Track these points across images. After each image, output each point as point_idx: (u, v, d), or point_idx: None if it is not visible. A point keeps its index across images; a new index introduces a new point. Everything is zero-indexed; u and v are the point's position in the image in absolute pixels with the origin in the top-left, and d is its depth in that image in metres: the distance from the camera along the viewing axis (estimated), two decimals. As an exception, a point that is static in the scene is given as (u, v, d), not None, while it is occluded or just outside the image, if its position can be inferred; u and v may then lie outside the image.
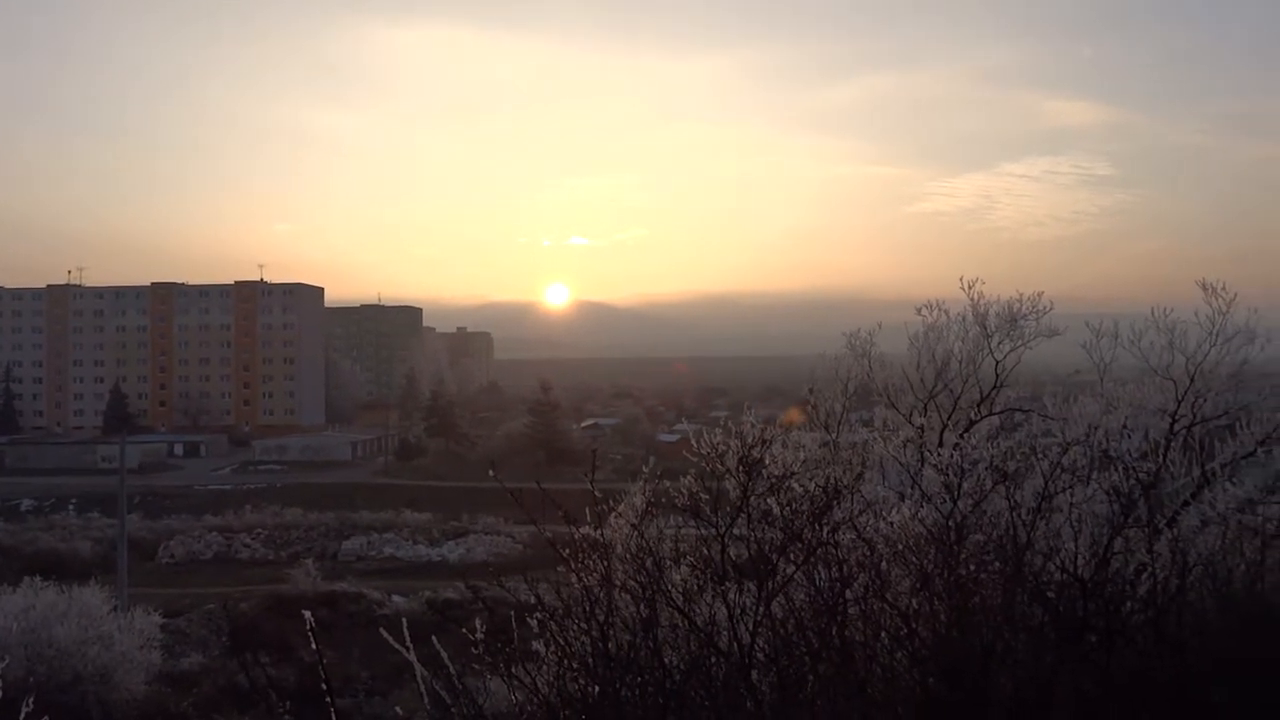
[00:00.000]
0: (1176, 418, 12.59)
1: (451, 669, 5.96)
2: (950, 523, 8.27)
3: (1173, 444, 12.37)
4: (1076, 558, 8.62)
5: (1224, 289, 12.83)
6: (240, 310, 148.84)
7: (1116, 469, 10.22)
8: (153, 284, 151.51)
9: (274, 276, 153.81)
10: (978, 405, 13.90)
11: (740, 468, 7.19)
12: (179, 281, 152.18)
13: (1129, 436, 11.54)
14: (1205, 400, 12.69)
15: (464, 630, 6.10)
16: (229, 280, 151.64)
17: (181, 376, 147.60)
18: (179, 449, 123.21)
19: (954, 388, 14.12)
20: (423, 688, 5.82)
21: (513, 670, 5.96)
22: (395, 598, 53.65)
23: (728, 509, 7.12)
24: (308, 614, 4.56)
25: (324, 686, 3.93)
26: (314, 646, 4.05)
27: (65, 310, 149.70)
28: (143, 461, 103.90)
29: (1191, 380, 12.73)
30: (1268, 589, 10.67)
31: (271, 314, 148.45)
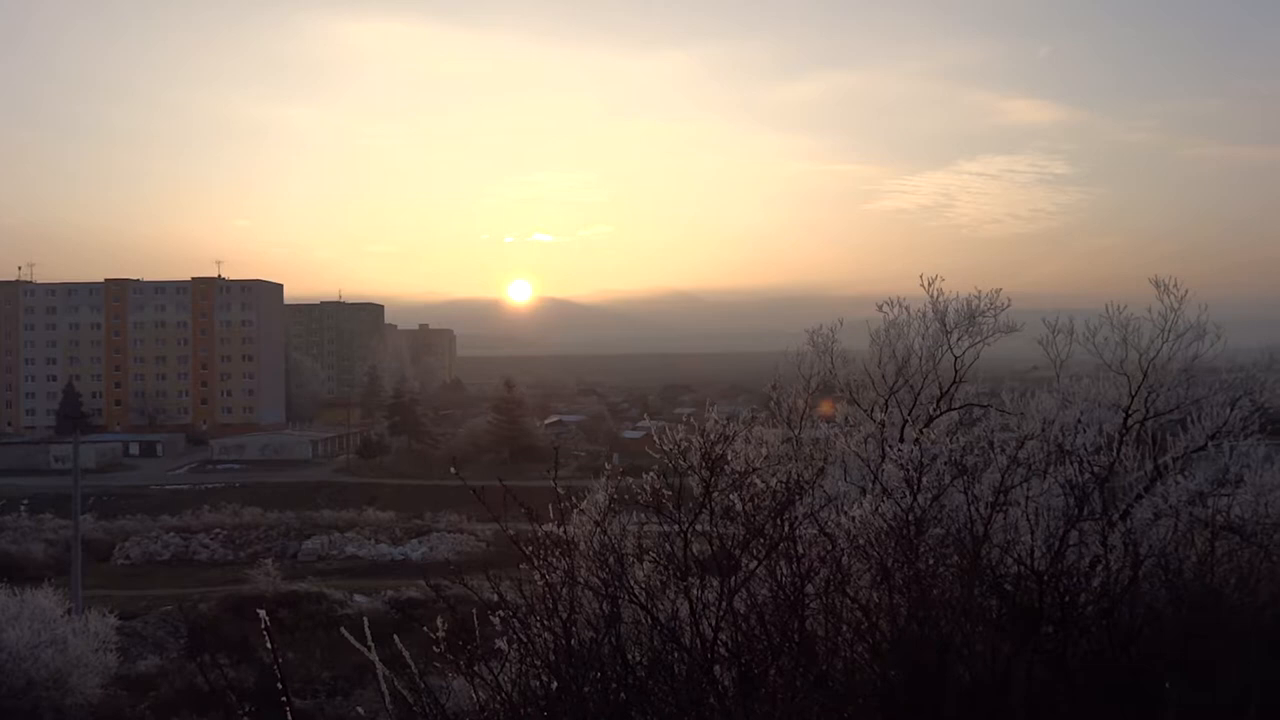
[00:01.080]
0: (1130, 412, 12.84)
1: (414, 668, 5.92)
2: (910, 517, 8.37)
3: (1126, 438, 12.61)
4: (1033, 550, 8.78)
5: (1176, 286, 13.10)
6: (198, 307, 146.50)
7: (1071, 463, 10.39)
8: (106, 280, 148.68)
9: (232, 273, 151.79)
10: (937, 401, 14.05)
11: (703, 464, 7.23)
12: (134, 278, 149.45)
13: (1084, 431, 11.72)
14: (1158, 395, 12.95)
15: (426, 629, 6.07)
16: (186, 277, 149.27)
17: (137, 375, 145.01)
18: (135, 448, 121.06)
19: (914, 383, 14.25)
20: (384, 687, 5.79)
21: (475, 668, 5.94)
22: (357, 597, 53.19)
23: (691, 505, 7.15)
24: (263, 613, 4.50)
25: (279, 686, 3.89)
26: (270, 646, 4.00)
27: (16, 308, 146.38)
28: (98, 461, 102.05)
29: (1145, 375, 12.98)
30: (1217, 581, 10.93)
31: (230, 311, 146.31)
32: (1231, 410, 12.74)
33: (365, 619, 6.43)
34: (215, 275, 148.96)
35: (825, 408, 14.26)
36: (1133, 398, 12.82)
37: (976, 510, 8.53)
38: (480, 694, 5.85)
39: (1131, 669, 8.51)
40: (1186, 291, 13.04)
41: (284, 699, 3.67)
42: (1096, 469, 10.70)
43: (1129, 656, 8.68)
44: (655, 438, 8.46)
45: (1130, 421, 12.80)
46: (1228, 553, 11.73)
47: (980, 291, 14.24)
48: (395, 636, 6.47)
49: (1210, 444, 12.78)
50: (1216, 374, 13.29)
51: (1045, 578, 8.58)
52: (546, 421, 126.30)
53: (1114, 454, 11.97)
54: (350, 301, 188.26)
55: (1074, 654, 8.53)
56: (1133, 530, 10.36)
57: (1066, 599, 8.65)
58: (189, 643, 45.00)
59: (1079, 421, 11.36)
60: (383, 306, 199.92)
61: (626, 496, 7.36)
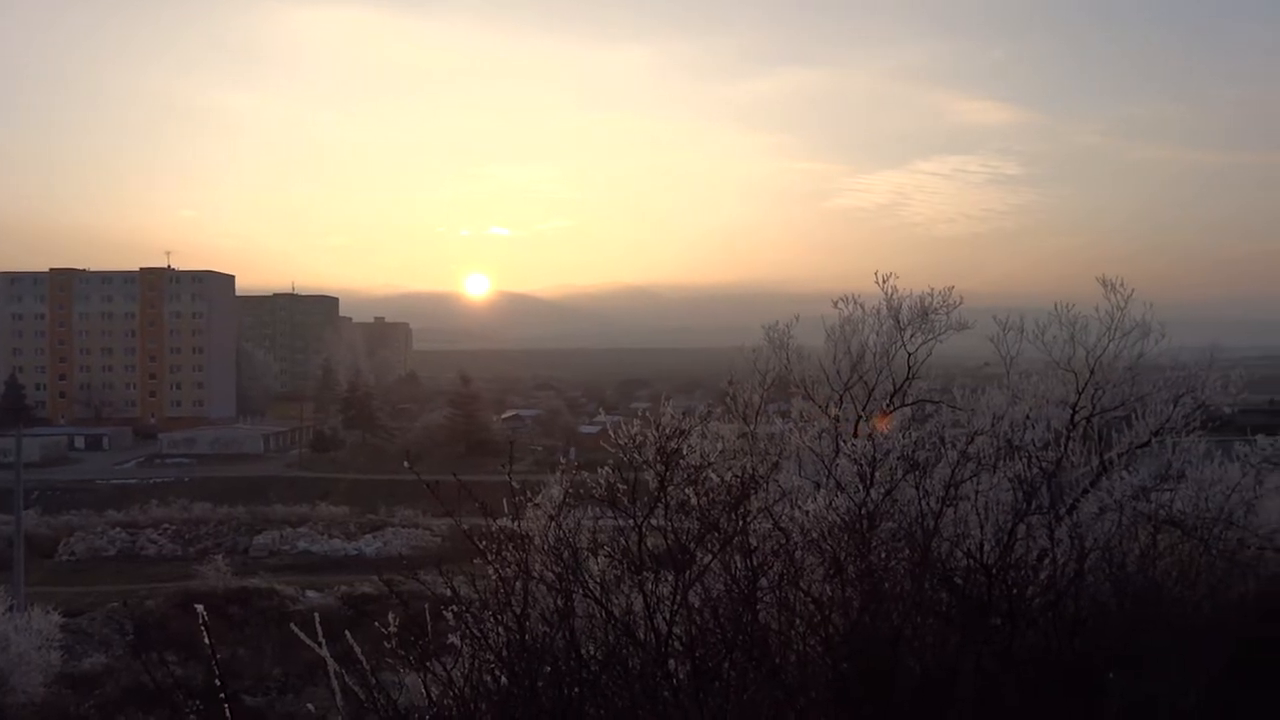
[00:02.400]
0: (1077, 409, 13.10)
1: (365, 664, 5.87)
2: (863, 511, 8.47)
3: (1073, 434, 12.87)
4: (982, 544, 8.92)
5: (1122, 285, 13.40)
6: (146, 298, 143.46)
7: (1020, 459, 10.59)
8: (51, 270, 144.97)
9: (182, 264, 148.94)
10: (891, 397, 14.22)
11: (658, 458, 7.24)
12: (79, 268, 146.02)
13: (1033, 427, 11.95)
14: (1104, 392, 13.24)
15: (378, 624, 6.01)
16: (134, 267, 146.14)
17: (83, 367, 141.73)
18: (80, 442, 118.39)
19: (868, 379, 14.40)
20: (335, 684, 5.72)
21: (428, 664, 5.90)
22: (310, 593, 52.58)
23: (645, 500, 7.16)
24: (200, 608, 4.43)
25: (218, 684, 3.84)
26: (207, 641, 3.94)
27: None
28: (41, 455, 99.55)
29: (1091, 373, 13.26)
30: (1159, 574, 11.20)
31: (179, 302, 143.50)
32: (1174, 407, 13.07)
33: (316, 615, 6.34)
34: (164, 266, 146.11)
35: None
36: (1080, 394, 13.09)
37: (928, 505, 8.66)
38: (433, 690, 5.82)
39: (1077, 660, 8.69)
40: (1132, 291, 13.35)
41: (222, 695, 3.62)
42: (1044, 464, 10.92)
43: (1074, 648, 8.87)
44: (611, 432, 8.46)
45: (1077, 418, 13.06)
46: (1169, 546, 12.04)
47: (933, 289, 14.44)
48: (347, 632, 6.41)
49: (1154, 440, 13.09)
50: (1160, 372, 13.61)
51: (994, 571, 8.72)
52: (503, 416, 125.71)
53: (1061, 450, 12.22)
54: (304, 294, 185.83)
55: (1021, 646, 8.69)
56: (1079, 524, 10.58)
57: (1014, 592, 8.81)
58: (136, 640, 44.14)
59: (1028, 418, 11.58)
60: (337, 299, 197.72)
61: (581, 491, 7.36)
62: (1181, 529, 12.37)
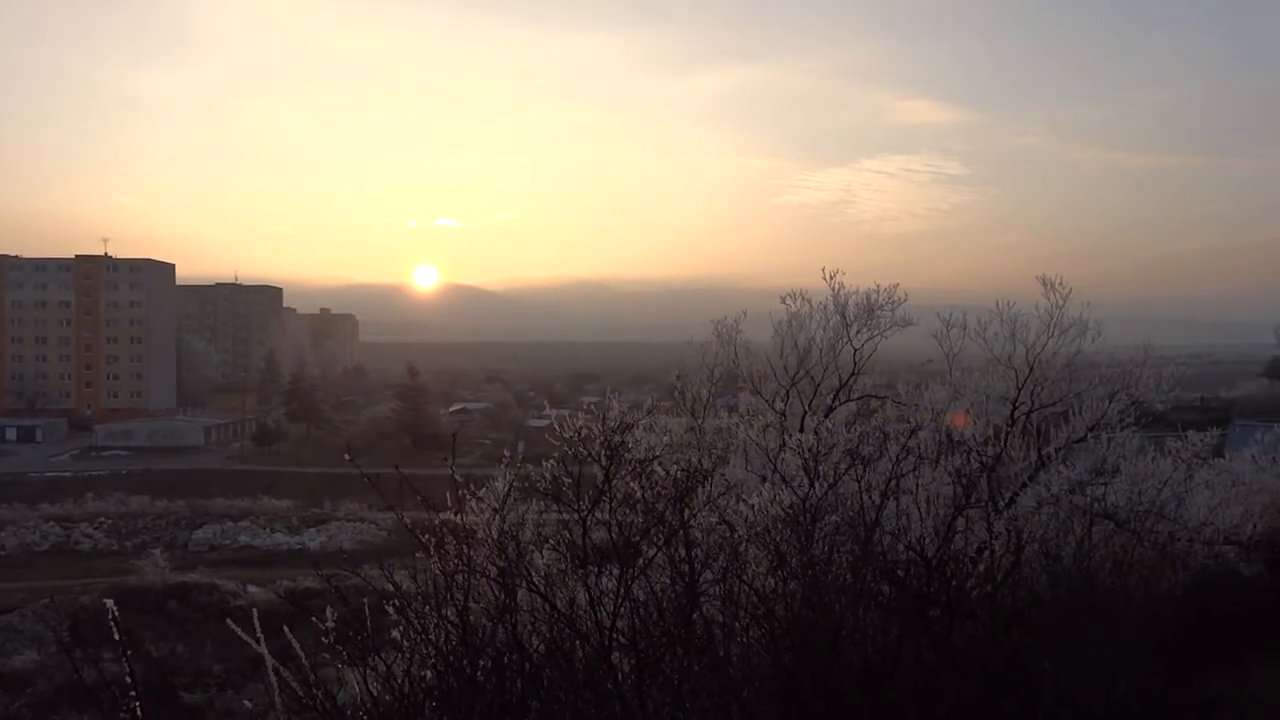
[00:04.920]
0: (1017, 404, 13.37)
1: (304, 660, 5.77)
2: (806, 505, 8.54)
3: (1013, 429, 13.13)
4: (923, 538, 9.06)
5: (1061, 284, 13.70)
6: (82, 286, 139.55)
7: (961, 453, 10.77)
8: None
9: (120, 252, 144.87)
10: (836, 392, 14.38)
11: (603, 452, 7.23)
12: (11, 254, 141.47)
13: (973, 422, 12.17)
14: (1042, 388, 13.53)
15: (315, 620, 5.92)
16: (69, 255, 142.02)
17: (15, 356, 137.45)
18: (11, 433, 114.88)
19: (815, 375, 14.55)
20: (273, 680, 5.62)
21: (368, 659, 5.83)
22: (251, 588, 51.64)
23: (591, 493, 7.15)
24: (110, 603, 4.31)
25: (128, 679, 3.74)
26: (117, 638, 3.83)
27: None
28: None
29: (1031, 369, 13.54)
30: (1094, 565, 11.48)
31: (117, 291, 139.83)
32: (1110, 404, 13.40)
33: (255, 610, 6.22)
34: (101, 254, 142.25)
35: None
36: (1019, 390, 13.36)
37: (870, 498, 8.76)
38: (372, 685, 5.74)
39: (1013, 650, 8.87)
40: (1070, 290, 13.66)
41: (133, 693, 3.52)
42: (984, 459, 11.12)
43: (1011, 639, 9.05)
44: (557, 426, 8.43)
45: (1017, 413, 13.33)
46: (1104, 539, 12.34)
47: (879, 286, 14.63)
48: (286, 628, 6.30)
49: (1090, 435, 13.42)
50: (1097, 369, 13.95)
51: (934, 563, 8.87)
52: (451, 409, 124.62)
53: (1001, 444, 12.45)
54: (247, 284, 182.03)
55: (960, 636, 8.84)
56: (1017, 517, 10.80)
57: (954, 584, 8.97)
58: (70, 637, 43.02)
59: (968, 413, 11.78)
60: (281, 290, 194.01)
61: (527, 484, 7.32)
62: (1115, 522, 12.70)
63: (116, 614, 3.87)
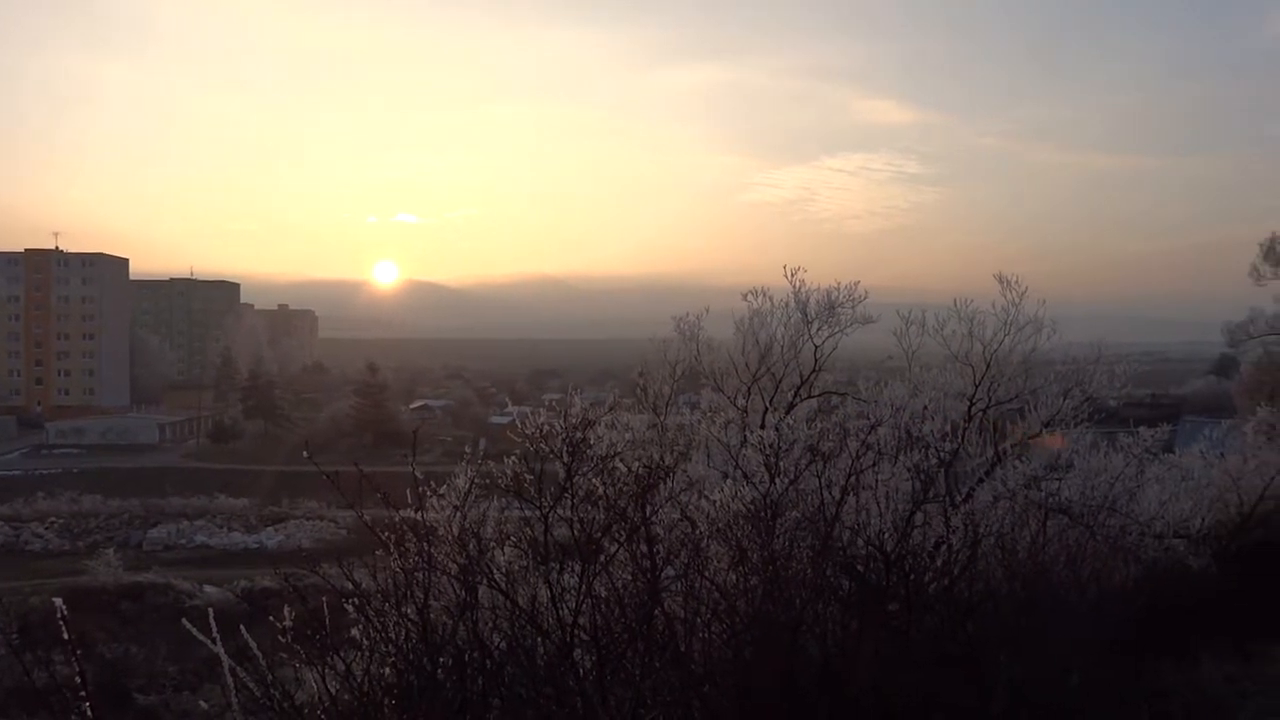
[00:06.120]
0: (974, 401, 13.55)
1: (261, 660, 5.70)
2: (767, 500, 8.60)
3: (970, 425, 13.31)
4: (882, 532, 9.16)
5: (1018, 282, 13.89)
6: (32, 281, 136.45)
7: (919, 449, 10.89)
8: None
9: (72, 246, 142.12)
10: (798, 389, 14.47)
11: (564, 448, 7.22)
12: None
13: (932, 418, 12.30)
14: (999, 385, 13.72)
15: (273, 619, 5.85)
16: (18, 248, 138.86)
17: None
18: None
19: (776, 371, 14.62)
20: (229, 681, 5.55)
21: (326, 659, 5.78)
22: (207, 588, 50.88)
23: (553, 490, 7.14)
24: (59, 601, 4.23)
25: (78, 681, 3.68)
26: (66, 638, 3.76)
27: None
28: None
29: (988, 366, 13.72)
30: (1048, 559, 11.68)
31: (69, 286, 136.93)
32: (1064, 400, 13.63)
33: (211, 610, 6.14)
34: (52, 248, 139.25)
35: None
36: (976, 387, 13.54)
37: (830, 494, 8.84)
38: (331, 684, 5.69)
39: (969, 642, 9.01)
40: (1026, 288, 13.86)
41: (83, 694, 3.46)
42: (942, 455, 11.25)
43: (967, 631, 9.19)
44: (520, 423, 8.40)
45: (974, 409, 13.51)
46: (1058, 533, 12.57)
47: (840, 284, 14.74)
48: (243, 628, 6.22)
49: (1045, 431, 13.64)
50: (1052, 366, 14.17)
51: (893, 558, 8.97)
52: (412, 406, 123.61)
53: (959, 440, 12.61)
54: (203, 279, 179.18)
55: (918, 629, 8.96)
56: (974, 512, 10.95)
57: (912, 578, 9.08)
58: (19, 639, 42.09)
59: (926, 409, 11.91)
60: (238, 285, 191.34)
61: (488, 481, 7.29)
62: (1069, 516, 12.93)
63: (66, 614, 3.80)
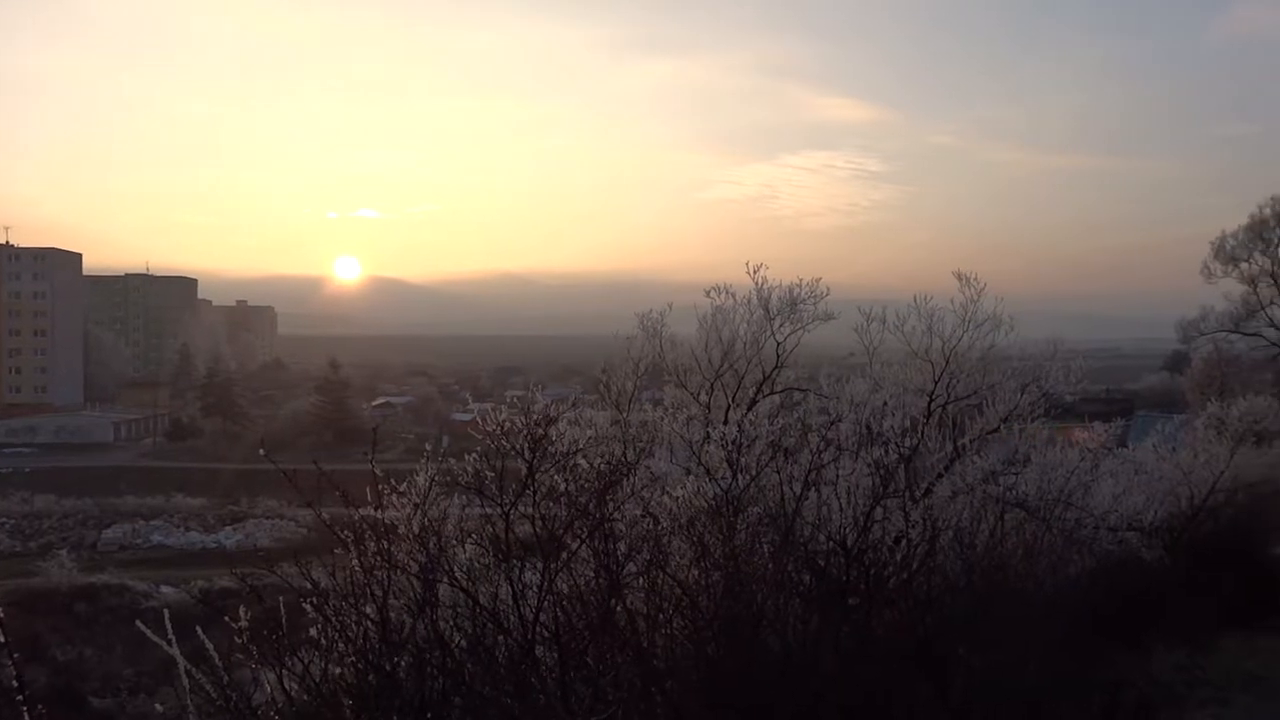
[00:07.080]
0: (933, 397, 13.70)
1: (217, 661, 5.62)
2: (729, 496, 8.64)
3: (929, 421, 13.46)
4: (843, 527, 9.24)
5: (975, 279, 14.06)
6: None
7: (880, 444, 10.99)
8: None
9: (22, 240, 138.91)
10: (760, 385, 14.53)
11: (527, 445, 7.20)
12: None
13: (892, 414, 12.42)
14: (958, 381, 13.88)
15: (229, 620, 5.77)
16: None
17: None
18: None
19: (739, 368, 14.67)
20: (185, 683, 5.47)
21: (284, 659, 5.71)
22: (164, 589, 50.06)
23: (514, 486, 7.11)
24: None
25: (16, 683, 3.60)
26: (3, 640, 3.68)
27: None
28: None
29: (947, 363, 13.87)
30: (1006, 552, 11.85)
31: (19, 281, 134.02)
32: (1021, 395, 13.82)
33: (166, 611, 6.04)
34: (2, 242, 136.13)
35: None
36: (936, 383, 13.69)
37: (791, 489, 8.90)
38: (289, 685, 5.63)
39: (929, 635, 9.11)
40: (985, 285, 14.03)
41: (21, 697, 3.39)
42: (902, 450, 11.36)
43: (926, 625, 9.29)
44: (481, 420, 8.35)
45: (933, 405, 13.66)
46: (1015, 526, 12.76)
47: (802, 281, 14.81)
48: (199, 629, 6.13)
49: (1002, 426, 13.83)
50: (1009, 362, 14.37)
51: (853, 553, 9.05)
52: (373, 403, 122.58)
53: (918, 436, 12.74)
54: (159, 274, 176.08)
55: (878, 623, 9.04)
56: (933, 507, 11.08)
57: (872, 572, 9.17)
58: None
59: (886, 405, 12.02)
60: (196, 280, 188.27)
61: (449, 478, 7.24)
62: (1026, 510, 13.13)
63: (2, 615, 3.70)
